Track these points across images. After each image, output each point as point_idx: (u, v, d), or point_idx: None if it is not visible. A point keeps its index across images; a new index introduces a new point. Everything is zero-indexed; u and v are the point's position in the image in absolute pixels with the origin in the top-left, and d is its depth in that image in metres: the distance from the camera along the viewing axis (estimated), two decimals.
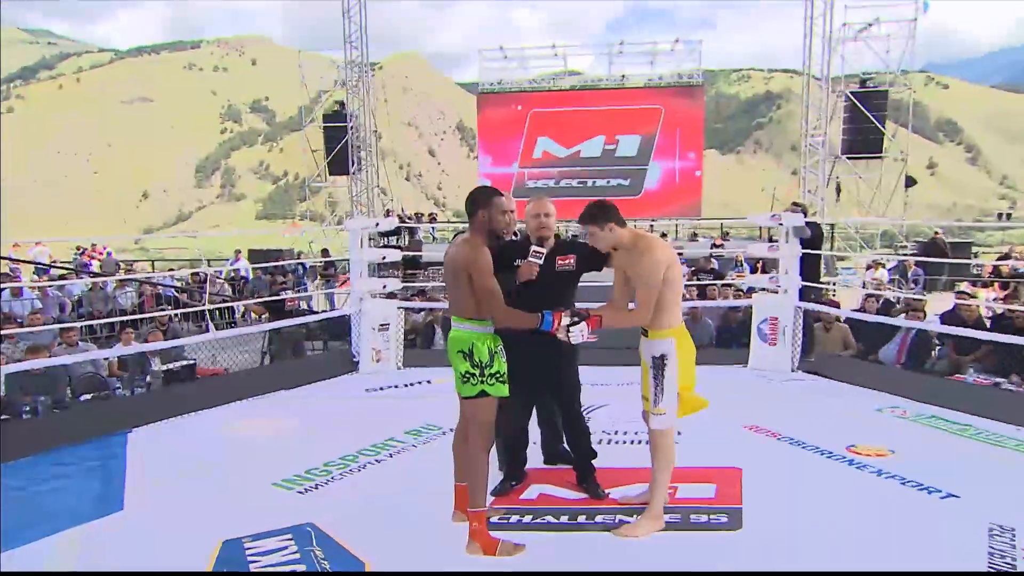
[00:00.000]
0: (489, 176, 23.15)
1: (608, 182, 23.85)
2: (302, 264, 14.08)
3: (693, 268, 11.06)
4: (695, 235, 20.43)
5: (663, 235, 22.78)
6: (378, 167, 20.12)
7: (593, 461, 3.36)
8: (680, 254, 11.98)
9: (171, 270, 14.02)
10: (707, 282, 8.69)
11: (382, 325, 5.84)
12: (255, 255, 16.39)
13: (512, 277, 3.16)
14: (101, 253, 18.11)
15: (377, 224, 5.80)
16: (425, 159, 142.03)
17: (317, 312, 8.40)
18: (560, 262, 3.20)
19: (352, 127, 18.48)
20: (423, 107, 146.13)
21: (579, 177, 25.42)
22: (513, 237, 3.54)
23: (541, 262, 3.14)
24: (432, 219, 26.07)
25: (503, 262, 3.18)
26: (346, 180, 18.80)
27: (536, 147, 24.27)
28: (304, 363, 6.80)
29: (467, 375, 2.84)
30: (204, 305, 7.48)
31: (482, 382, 2.83)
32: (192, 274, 13.12)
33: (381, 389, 5.37)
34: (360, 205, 18.40)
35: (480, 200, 2.91)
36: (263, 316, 8.05)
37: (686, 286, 8.99)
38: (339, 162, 18.67)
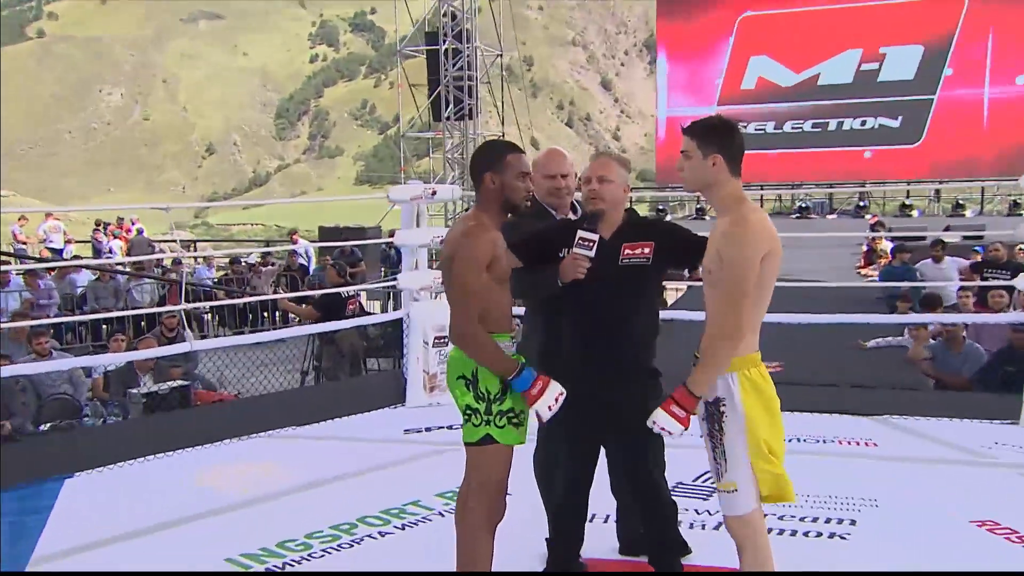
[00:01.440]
0: (676, 120, 22.97)
1: (864, 123, 22.56)
2: (396, 249, 15.10)
3: (985, 260, 10.22)
4: (1016, 204, 18.74)
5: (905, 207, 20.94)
6: (505, 107, 20.67)
7: (681, 556, 3.39)
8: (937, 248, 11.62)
9: (203, 259, 15.45)
10: (994, 283, 8.04)
11: (438, 338, 6.07)
12: (327, 235, 17.60)
13: (552, 275, 3.22)
14: (130, 230, 20.38)
15: (434, 193, 6.05)
16: (596, 95, 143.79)
17: (372, 315, 9.02)
18: (628, 252, 3.25)
19: (470, 52, 19.27)
20: (595, 18, 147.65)
21: (816, 117, 24.47)
22: (570, 213, 3.68)
23: (591, 253, 3.16)
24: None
25: (544, 249, 3.30)
26: (486, 126, 19.84)
27: (747, 72, 23.80)
28: (343, 389, 7.29)
29: (469, 411, 2.95)
30: (221, 302, 8.23)
31: (487, 422, 2.91)
32: (231, 262, 14.45)
33: (426, 431, 5.62)
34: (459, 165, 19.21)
35: (486, 158, 3.04)
36: (311, 319, 8.72)
37: (960, 288, 8.41)
38: (459, 102, 19.59)
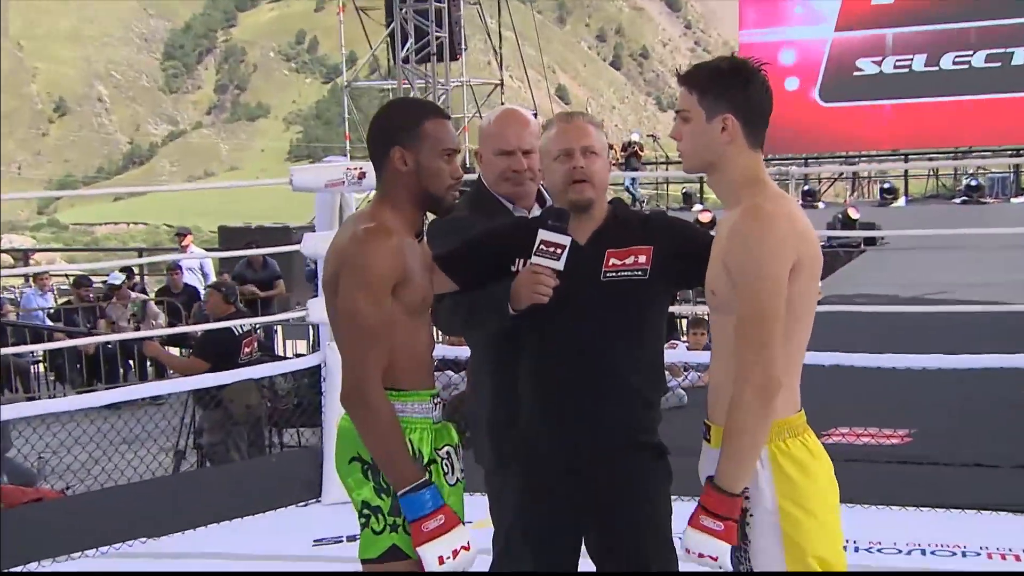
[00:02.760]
0: (753, 50, 23.24)
1: None
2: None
3: None
4: None
5: None
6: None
7: None
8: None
9: (34, 278, 15.48)
10: None
11: None
12: (231, 239, 17.75)
13: (501, 300, 3.35)
14: None
15: (363, 175, 6.12)
16: (658, 18, 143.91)
17: (282, 360, 9.07)
18: (614, 262, 3.34)
19: None
20: None
21: (991, 45, 24.48)
22: (536, 207, 3.77)
23: (559, 264, 3.26)
24: (632, 154, 26.75)
25: (492, 263, 3.41)
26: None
27: None
28: (235, 476, 7.36)
29: (367, 511, 3.05)
30: (58, 344, 8.26)
31: (394, 527, 3.01)
32: (75, 284, 14.47)
33: (348, 540, 5.66)
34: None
35: (391, 126, 3.14)
36: (193, 371, 8.80)
37: None
38: (422, 34, 19.72)
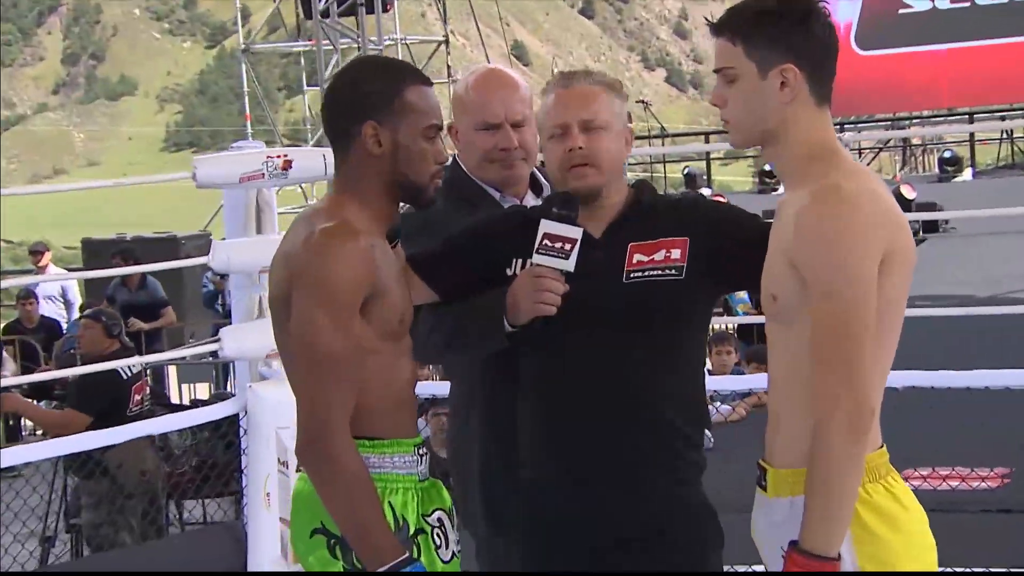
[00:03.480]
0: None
1: None
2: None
3: None
4: None
5: None
6: None
7: None
8: None
9: None
10: None
11: None
12: (97, 254, 17.66)
13: (494, 313, 3.36)
14: None
15: (287, 165, 6.13)
16: None
17: (182, 409, 9.07)
18: (640, 259, 3.37)
19: None
20: None
21: None
22: (530, 195, 3.85)
23: (569, 264, 3.26)
24: None
25: (482, 265, 3.46)
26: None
27: None
28: (128, 562, 7.31)
29: None
30: None
31: None
32: None
33: None
34: None
35: (362, 95, 3.16)
36: (68, 429, 8.76)
37: None
38: None
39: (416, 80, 3.17)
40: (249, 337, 6.34)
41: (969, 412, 7.27)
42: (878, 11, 24.10)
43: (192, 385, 13.11)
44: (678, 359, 3.36)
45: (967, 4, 24.08)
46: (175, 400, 12.81)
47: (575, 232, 3.21)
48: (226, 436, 7.91)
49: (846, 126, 26.10)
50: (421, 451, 3.11)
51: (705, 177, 24.38)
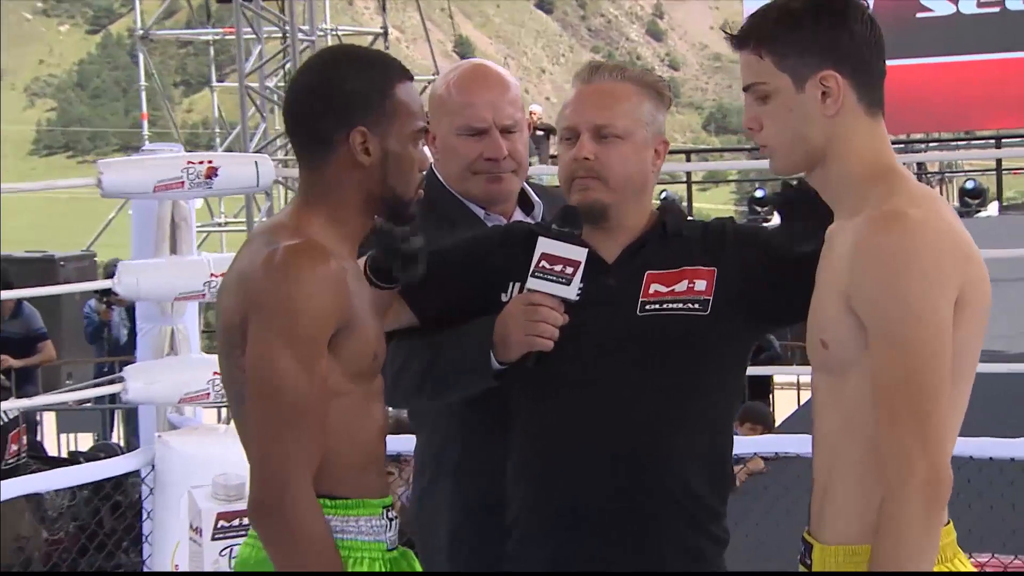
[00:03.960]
0: None
1: None
2: (128, 309, 15.16)
3: None
4: None
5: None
6: None
7: None
8: None
9: None
10: None
11: (226, 521, 6.12)
12: None
13: (480, 346, 3.38)
14: None
15: (212, 172, 6.14)
16: None
17: (65, 464, 8.98)
18: (658, 288, 3.41)
19: None
20: None
21: None
22: (518, 211, 3.91)
23: (571, 292, 3.28)
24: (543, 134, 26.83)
25: (469, 287, 3.51)
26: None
27: None
28: None
29: None
30: None
31: None
32: None
33: None
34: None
35: (350, 98, 3.15)
36: None
37: None
38: None
39: (404, 76, 3.18)
40: (159, 378, 6.33)
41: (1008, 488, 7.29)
42: (892, 15, 24.05)
43: (72, 436, 12.98)
44: (700, 408, 3.36)
45: (997, 9, 24.27)
46: (54, 453, 12.79)
47: (578, 253, 3.22)
48: (110, 497, 7.89)
49: None
50: (391, 514, 3.10)
51: (686, 202, 24.41)
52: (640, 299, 3.30)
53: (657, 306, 3.30)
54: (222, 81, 22.71)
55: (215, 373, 6.10)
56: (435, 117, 3.81)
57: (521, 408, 3.35)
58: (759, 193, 24.61)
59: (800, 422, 10.73)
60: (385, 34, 22.21)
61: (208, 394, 6.32)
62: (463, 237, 3.54)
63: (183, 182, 6.12)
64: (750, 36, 3.01)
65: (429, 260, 3.33)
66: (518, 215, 3.82)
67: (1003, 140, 24.45)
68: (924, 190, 2.98)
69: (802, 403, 13.21)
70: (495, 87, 3.78)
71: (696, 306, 3.31)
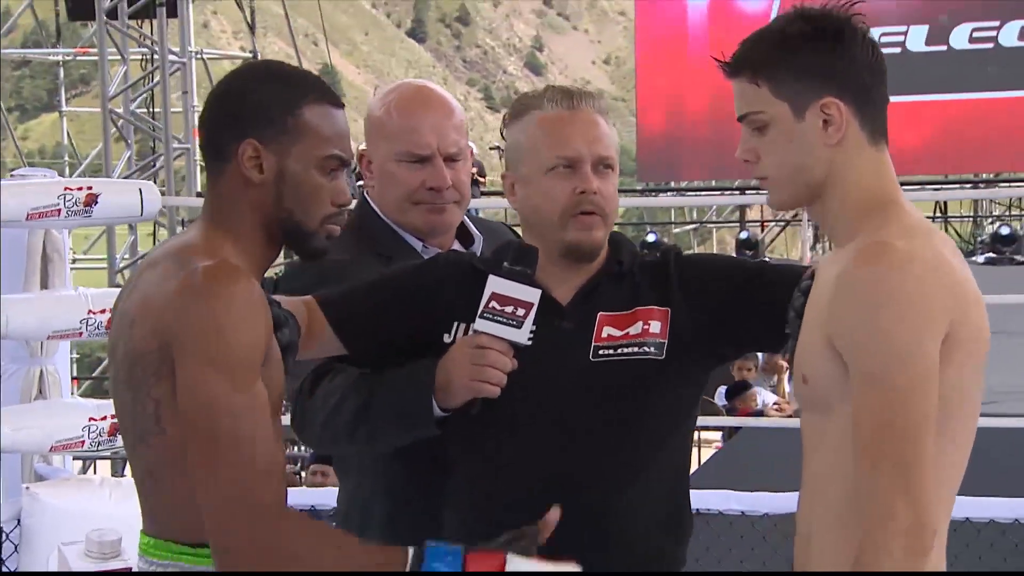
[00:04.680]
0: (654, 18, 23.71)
1: None
2: None
3: None
4: None
5: None
6: None
7: None
8: None
9: None
10: None
11: None
12: None
13: (422, 390, 3.36)
14: None
15: (91, 200, 6.11)
16: None
17: None
18: (611, 332, 3.42)
19: None
20: None
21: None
22: (456, 243, 3.94)
23: (522, 335, 3.28)
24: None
25: (408, 324, 3.50)
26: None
27: None
28: None
29: None
30: None
31: None
32: None
33: None
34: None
35: (246, 109, 3.16)
36: None
37: None
38: None
39: (323, 98, 3.16)
40: (27, 423, 6.25)
41: None
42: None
43: None
44: (655, 459, 3.38)
45: (943, 48, 23.91)
46: None
47: (531, 295, 3.22)
48: None
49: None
50: None
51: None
52: (593, 343, 3.31)
53: (611, 351, 3.32)
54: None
55: (91, 419, 6.04)
56: (372, 141, 3.81)
57: (461, 456, 3.34)
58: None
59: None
60: (254, 59, 22.16)
61: (83, 442, 6.24)
62: (401, 267, 3.54)
63: (59, 210, 6.04)
64: (745, 63, 3.04)
65: (366, 289, 3.39)
66: (457, 248, 3.81)
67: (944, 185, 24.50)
68: (922, 224, 3.00)
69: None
70: (439, 111, 3.79)
71: (652, 350, 3.33)
